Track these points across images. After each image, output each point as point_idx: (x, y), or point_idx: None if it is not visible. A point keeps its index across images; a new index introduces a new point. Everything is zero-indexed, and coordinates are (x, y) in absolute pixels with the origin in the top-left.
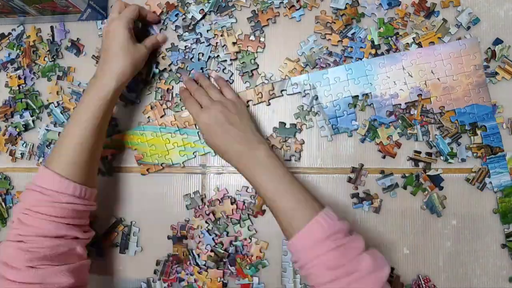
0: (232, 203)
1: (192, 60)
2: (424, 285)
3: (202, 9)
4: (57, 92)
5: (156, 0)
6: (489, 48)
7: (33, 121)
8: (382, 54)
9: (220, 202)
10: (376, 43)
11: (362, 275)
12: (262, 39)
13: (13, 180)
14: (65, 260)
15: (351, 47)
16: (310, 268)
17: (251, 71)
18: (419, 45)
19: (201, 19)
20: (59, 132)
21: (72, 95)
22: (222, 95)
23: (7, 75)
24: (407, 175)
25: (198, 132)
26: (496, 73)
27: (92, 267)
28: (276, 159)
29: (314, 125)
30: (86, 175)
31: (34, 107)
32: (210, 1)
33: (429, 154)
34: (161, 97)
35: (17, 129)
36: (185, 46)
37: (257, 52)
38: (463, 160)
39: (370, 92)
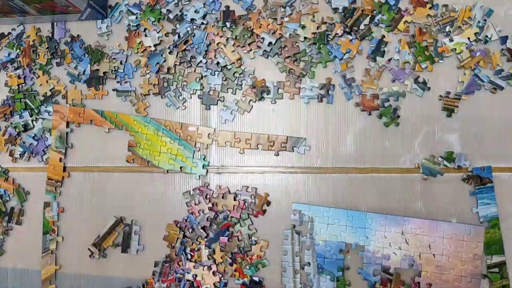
0: (234, 199)
1: None
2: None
3: None
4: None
5: None
6: (502, 49)
7: (32, 121)
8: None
9: (223, 196)
10: None
11: None
12: None
13: (13, 180)
14: None
15: None
16: None
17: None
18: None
19: None
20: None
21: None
22: None
23: (6, 74)
24: None
25: (194, 151)
26: None
27: (93, 267)
28: None
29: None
30: None
31: (33, 106)
32: None
33: None
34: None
35: (17, 129)
36: None
37: None
38: None
39: (364, 246)
